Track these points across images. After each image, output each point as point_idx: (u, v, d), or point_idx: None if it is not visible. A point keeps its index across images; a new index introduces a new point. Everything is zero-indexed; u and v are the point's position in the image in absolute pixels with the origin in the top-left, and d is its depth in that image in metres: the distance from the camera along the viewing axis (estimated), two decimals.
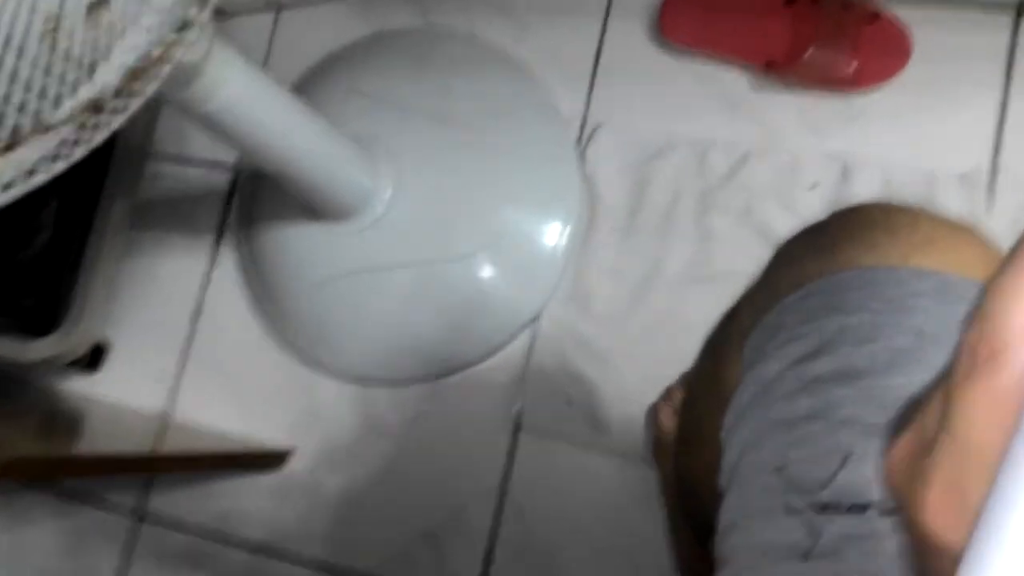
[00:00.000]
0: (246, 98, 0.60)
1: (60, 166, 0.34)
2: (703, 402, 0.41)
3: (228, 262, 0.93)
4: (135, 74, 0.37)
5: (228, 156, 0.95)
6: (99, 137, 0.36)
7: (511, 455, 0.80)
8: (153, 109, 0.94)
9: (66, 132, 0.32)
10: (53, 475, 0.55)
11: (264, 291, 0.90)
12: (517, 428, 0.81)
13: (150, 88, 0.38)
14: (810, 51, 0.75)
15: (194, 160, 0.96)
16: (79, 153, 0.35)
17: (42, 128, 0.31)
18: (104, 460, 0.64)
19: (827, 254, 0.32)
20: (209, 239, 0.94)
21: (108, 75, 0.36)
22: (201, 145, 0.96)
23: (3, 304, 0.86)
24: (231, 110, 0.59)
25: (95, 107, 0.34)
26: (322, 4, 0.96)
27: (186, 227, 0.95)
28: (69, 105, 0.31)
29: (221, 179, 0.95)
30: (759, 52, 0.79)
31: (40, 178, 0.33)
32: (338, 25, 0.94)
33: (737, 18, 0.80)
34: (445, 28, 0.90)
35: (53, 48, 0.33)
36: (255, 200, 0.92)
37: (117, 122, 0.37)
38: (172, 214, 0.95)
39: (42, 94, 0.30)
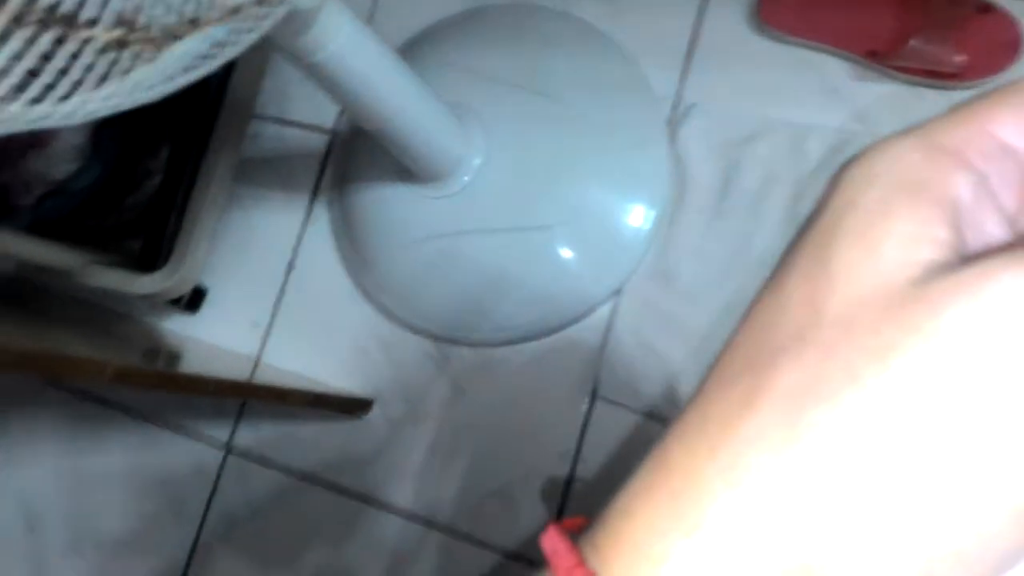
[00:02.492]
0: (353, 51, 0.58)
1: (229, 52, 0.32)
2: None
3: (321, 219, 0.92)
4: None
5: (326, 120, 0.94)
6: (256, 34, 0.34)
7: (586, 422, 0.78)
8: (259, 71, 0.92)
9: (246, 14, 0.31)
10: (160, 387, 0.54)
11: (354, 249, 0.89)
12: (594, 397, 0.78)
13: None
14: (914, 41, 0.70)
15: (294, 122, 0.95)
16: (245, 41, 0.33)
17: (230, 9, 0.29)
18: (205, 380, 0.63)
19: None
20: (304, 197, 0.93)
21: None
22: (301, 109, 0.95)
23: (112, 244, 0.86)
24: (338, 62, 0.57)
25: None
26: None
27: (284, 185, 0.94)
28: None
29: (318, 141, 0.94)
30: (861, 41, 0.74)
31: (216, 63, 0.31)
32: (436, 0, 0.92)
33: (839, 6, 0.75)
34: (540, 6, 0.87)
35: None
36: (349, 162, 0.91)
37: (281, 11, 0.34)
38: (271, 172, 0.94)
39: None
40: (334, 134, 0.93)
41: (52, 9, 0.24)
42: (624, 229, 0.79)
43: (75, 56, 0.25)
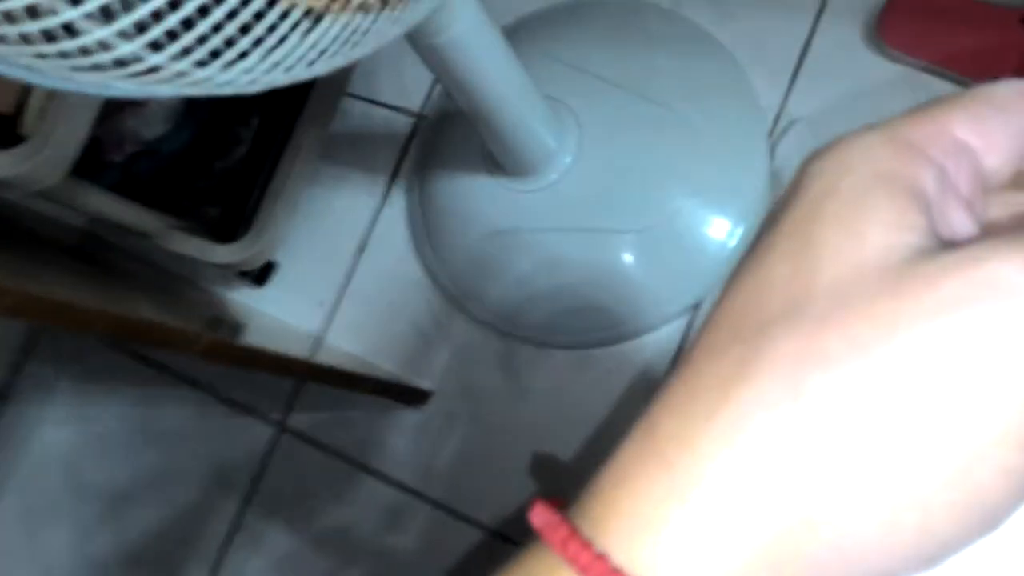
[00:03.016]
0: (472, 37, 0.57)
1: (396, 30, 0.31)
2: None
3: (398, 203, 0.90)
4: None
5: (413, 103, 0.92)
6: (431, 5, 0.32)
7: None
8: None
9: None
10: (244, 363, 0.53)
11: (428, 235, 0.87)
12: None
13: None
14: None
15: (381, 103, 0.93)
16: (423, 9, 0.31)
17: None
18: (286, 360, 0.62)
19: None
20: (384, 179, 0.91)
21: None
22: (389, 90, 0.93)
23: (191, 209, 0.85)
24: (457, 45, 0.56)
25: None
26: None
27: (364, 165, 0.92)
28: None
29: (403, 124, 0.92)
30: (984, 68, 0.70)
31: (372, 45, 0.30)
32: None
33: (965, 30, 0.72)
34: (648, 3, 0.85)
35: None
36: (433, 148, 0.89)
37: None
38: (353, 150, 0.93)
39: None
40: (420, 117, 0.91)
41: None
42: (710, 242, 0.77)
43: (271, 28, 0.24)
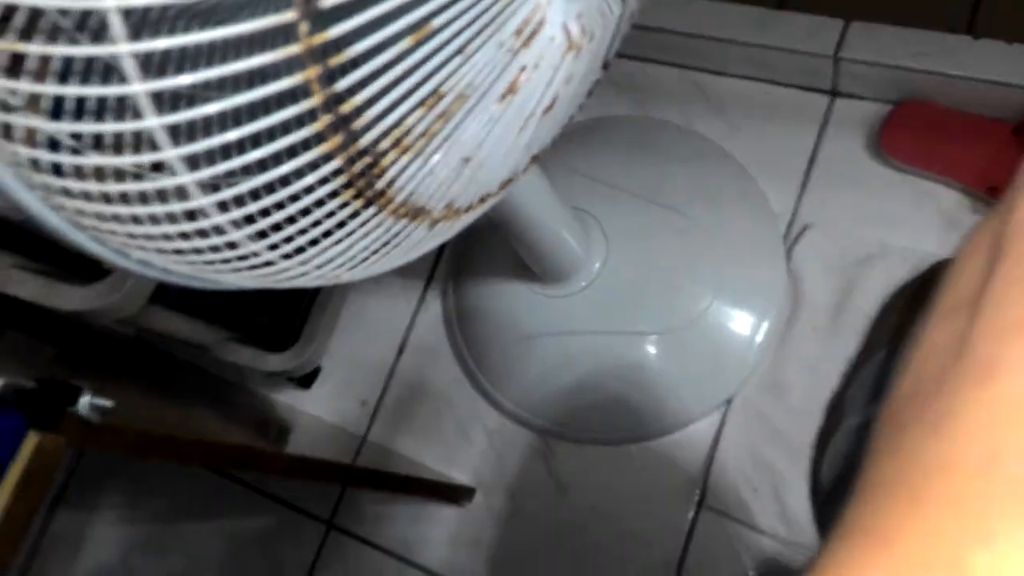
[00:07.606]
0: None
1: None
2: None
3: (434, 307, 0.94)
4: None
5: None
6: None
7: (691, 531, 0.77)
8: None
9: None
10: (269, 469, 0.54)
11: (464, 338, 0.90)
12: (700, 505, 0.77)
13: None
14: None
15: None
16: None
17: (504, 181, 0.32)
18: (312, 462, 0.64)
19: (917, 309, 0.28)
20: (419, 285, 0.95)
21: None
22: None
23: (241, 319, 0.89)
24: None
25: None
26: None
27: (400, 271, 0.96)
28: None
29: None
30: (982, 177, 0.75)
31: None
32: None
33: (962, 142, 0.76)
34: (662, 120, 0.90)
35: None
36: (466, 256, 0.93)
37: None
38: None
39: None
40: None
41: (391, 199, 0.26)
42: (738, 339, 0.80)
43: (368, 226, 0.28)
